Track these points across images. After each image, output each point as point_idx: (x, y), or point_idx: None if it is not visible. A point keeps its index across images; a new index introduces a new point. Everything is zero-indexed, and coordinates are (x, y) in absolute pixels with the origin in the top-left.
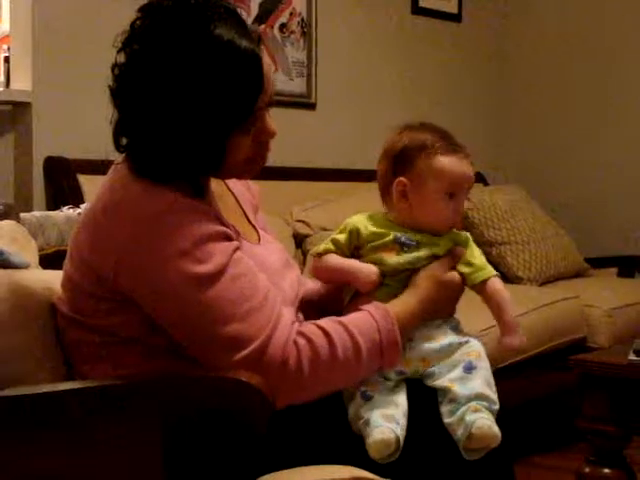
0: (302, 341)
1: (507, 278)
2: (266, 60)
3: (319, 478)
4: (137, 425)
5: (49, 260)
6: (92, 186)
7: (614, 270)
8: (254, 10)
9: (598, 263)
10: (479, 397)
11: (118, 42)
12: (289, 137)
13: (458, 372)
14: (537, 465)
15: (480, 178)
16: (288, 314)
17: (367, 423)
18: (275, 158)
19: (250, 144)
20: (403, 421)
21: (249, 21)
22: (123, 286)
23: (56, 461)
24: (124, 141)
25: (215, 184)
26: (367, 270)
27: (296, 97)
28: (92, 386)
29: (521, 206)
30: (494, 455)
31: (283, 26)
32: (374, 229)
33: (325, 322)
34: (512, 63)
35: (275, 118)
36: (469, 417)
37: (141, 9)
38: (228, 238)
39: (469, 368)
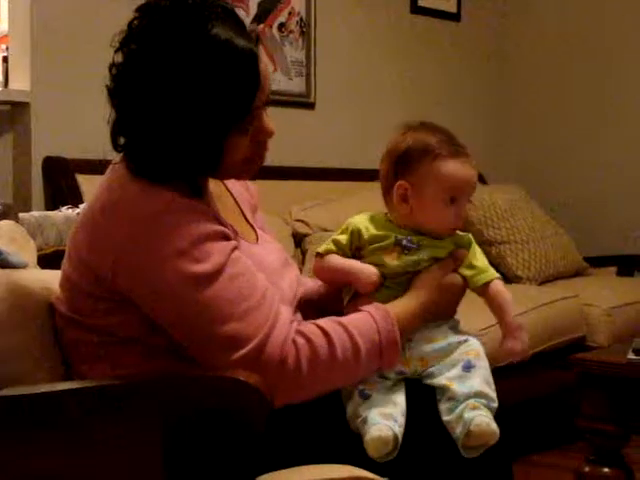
0: (301, 340)
1: (506, 277)
2: (263, 59)
3: (318, 477)
4: (136, 425)
5: (48, 260)
6: (91, 186)
7: (613, 269)
8: (253, 9)
9: (597, 262)
10: (478, 395)
11: (115, 42)
12: (288, 137)
13: (457, 371)
14: (536, 464)
15: (479, 177)
16: (286, 313)
17: (365, 421)
18: (274, 158)
19: (248, 144)
20: (401, 419)
21: (248, 20)
22: (121, 286)
23: (55, 461)
24: (122, 141)
25: (213, 184)
26: (368, 271)
27: (295, 97)
28: (90, 386)
29: (520, 205)
30: (493, 454)
31: (282, 25)
32: (375, 231)
33: (325, 322)
34: (511, 62)
35: (274, 118)
36: (467, 414)
37: (139, 9)
38: (226, 238)
39: (468, 367)
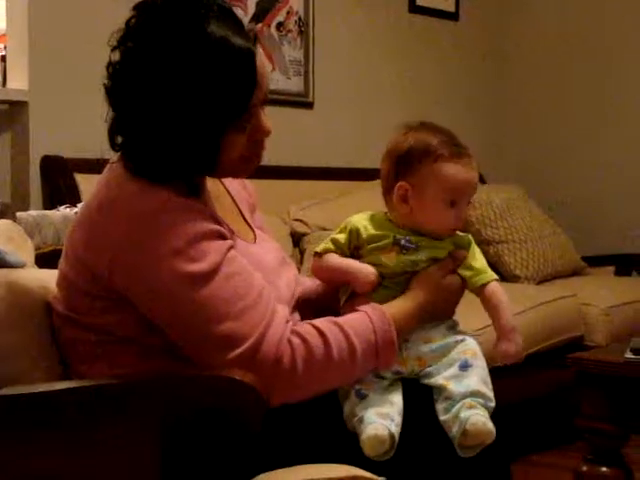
0: (297, 340)
1: (504, 277)
2: (260, 57)
3: (316, 477)
4: (133, 424)
5: (46, 259)
6: (89, 185)
7: (611, 269)
8: (251, 9)
9: (595, 262)
10: (474, 394)
11: (113, 40)
12: (286, 136)
13: (454, 370)
14: (535, 463)
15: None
16: (283, 312)
17: (361, 421)
18: (272, 157)
19: (245, 142)
20: (398, 419)
21: (246, 20)
22: (117, 284)
23: (53, 461)
24: (119, 140)
25: (211, 184)
26: (366, 271)
27: (293, 96)
28: (88, 386)
29: (518, 205)
30: (491, 453)
31: (280, 25)
32: (374, 230)
33: (321, 322)
34: (510, 61)
35: (272, 117)
36: (464, 414)
37: (136, 7)
38: (222, 237)
39: (465, 366)
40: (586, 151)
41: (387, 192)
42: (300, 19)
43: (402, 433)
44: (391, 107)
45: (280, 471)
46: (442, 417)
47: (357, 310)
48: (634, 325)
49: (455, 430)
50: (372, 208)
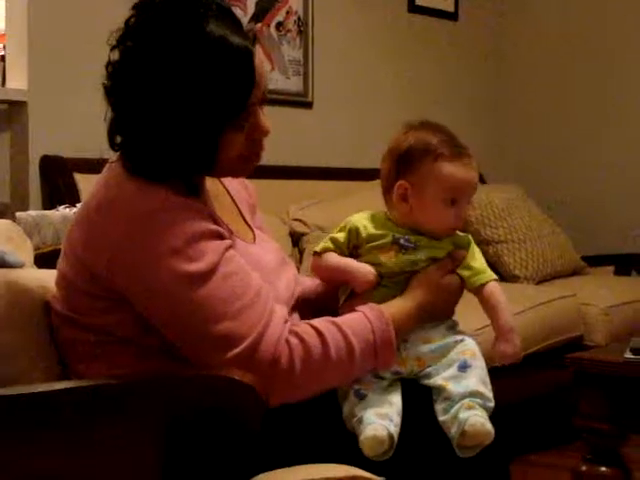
0: (295, 340)
1: (504, 277)
2: (259, 56)
3: (315, 477)
4: (132, 425)
5: (45, 259)
6: (88, 185)
7: (611, 268)
8: (250, 9)
9: (595, 261)
10: (473, 394)
11: (112, 39)
12: (285, 136)
13: (453, 370)
14: (534, 463)
15: None
16: (281, 312)
17: (360, 421)
18: (271, 157)
19: (243, 141)
20: (397, 419)
21: (245, 19)
22: (116, 284)
23: (51, 461)
24: (118, 139)
25: (211, 183)
26: (364, 270)
27: (292, 96)
28: (87, 386)
29: (518, 204)
30: (489, 453)
31: (280, 25)
32: (373, 229)
33: (319, 322)
34: (509, 61)
35: (271, 117)
36: (462, 414)
37: (135, 6)
38: (220, 236)
39: (464, 367)
40: (585, 151)
41: (387, 191)
42: (299, 19)
43: (401, 433)
44: (390, 107)
45: (279, 471)
46: (441, 418)
47: (355, 310)
48: (634, 325)
49: (454, 431)
50: (371, 208)
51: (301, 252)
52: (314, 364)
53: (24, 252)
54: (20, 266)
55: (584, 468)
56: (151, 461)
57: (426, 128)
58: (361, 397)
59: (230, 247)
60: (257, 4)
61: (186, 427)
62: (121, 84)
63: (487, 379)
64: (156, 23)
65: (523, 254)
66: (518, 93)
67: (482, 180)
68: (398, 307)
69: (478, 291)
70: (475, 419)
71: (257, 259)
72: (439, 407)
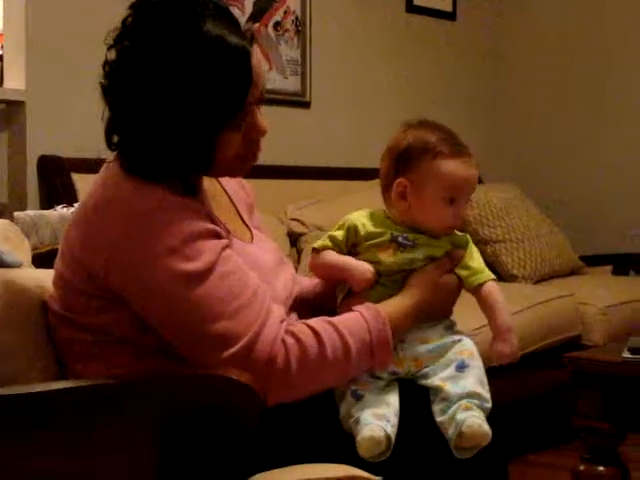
0: (291, 340)
1: (502, 276)
2: (256, 55)
3: (313, 476)
4: (130, 424)
5: (43, 259)
6: (86, 185)
7: (609, 268)
8: (248, 8)
9: (593, 261)
10: (471, 395)
11: (109, 39)
12: (283, 135)
13: (450, 371)
14: (532, 463)
15: None
16: (278, 311)
17: (357, 422)
18: (269, 157)
19: (240, 141)
20: (394, 420)
21: (243, 19)
22: (113, 283)
23: (50, 461)
24: (116, 139)
25: (209, 183)
26: (362, 268)
27: (290, 95)
28: (85, 385)
29: (516, 204)
30: (488, 453)
31: (277, 24)
32: (372, 227)
33: (315, 322)
34: (507, 61)
35: (269, 117)
36: (460, 415)
37: (132, 6)
38: (217, 236)
39: (461, 367)
40: (583, 150)
41: (386, 189)
42: (297, 19)
43: (399, 433)
44: (388, 107)
45: (277, 471)
46: (438, 418)
47: (351, 310)
48: (632, 324)
49: (451, 432)
50: (370, 208)
51: (299, 252)
52: (310, 364)
53: (22, 252)
54: (18, 266)
55: (582, 467)
56: (148, 461)
57: (425, 126)
58: (358, 397)
59: (227, 246)
60: (255, 4)
61: (184, 427)
62: (118, 83)
63: (485, 379)
64: (153, 22)
65: (521, 254)
66: (516, 93)
67: (480, 180)
68: (395, 306)
69: (476, 291)
70: (472, 420)
71: (255, 259)
72: (436, 408)
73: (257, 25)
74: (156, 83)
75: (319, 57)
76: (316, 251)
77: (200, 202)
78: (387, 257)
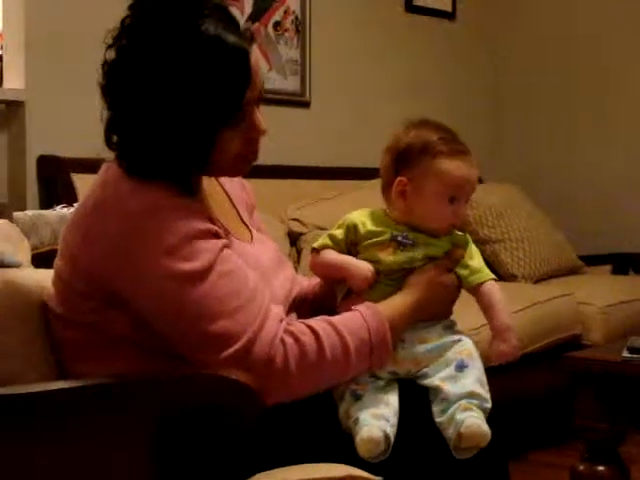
0: (289, 340)
1: (501, 276)
2: (255, 55)
3: (312, 476)
4: (128, 424)
5: (42, 259)
6: (85, 185)
7: (608, 267)
8: (248, 8)
9: (592, 260)
10: (470, 395)
11: (108, 39)
12: (283, 135)
13: (449, 371)
14: (532, 462)
15: None
16: (277, 311)
17: (357, 422)
18: (269, 156)
19: (239, 140)
20: (394, 420)
21: (243, 19)
22: (112, 283)
23: (48, 460)
24: (115, 139)
25: (208, 183)
26: (362, 267)
27: (290, 95)
28: (84, 385)
29: (515, 204)
30: (488, 453)
31: (277, 24)
32: (372, 226)
33: (314, 321)
34: (506, 61)
35: (268, 116)
36: (459, 416)
37: (131, 6)
38: (216, 236)
39: (461, 367)
40: (583, 150)
41: (386, 188)
42: (297, 18)
43: (398, 433)
44: (388, 107)
45: (276, 471)
46: (438, 419)
47: (351, 309)
48: (631, 324)
49: (450, 432)
50: (369, 206)
51: (299, 252)
52: (309, 363)
53: (21, 252)
54: (17, 266)
55: (582, 467)
56: (147, 461)
57: (426, 126)
58: (357, 397)
59: (226, 246)
60: (254, 3)
61: (182, 426)
62: (117, 83)
63: (484, 379)
64: (152, 22)
65: (521, 253)
66: (515, 93)
67: (480, 180)
68: (395, 305)
69: (476, 290)
70: (471, 421)
71: (254, 259)
72: (436, 408)
73: (257, 25)
74: (155, 82)
75: (319, 57)
76: (316, 250)
77: (199, 202)
78: (387, 256)
